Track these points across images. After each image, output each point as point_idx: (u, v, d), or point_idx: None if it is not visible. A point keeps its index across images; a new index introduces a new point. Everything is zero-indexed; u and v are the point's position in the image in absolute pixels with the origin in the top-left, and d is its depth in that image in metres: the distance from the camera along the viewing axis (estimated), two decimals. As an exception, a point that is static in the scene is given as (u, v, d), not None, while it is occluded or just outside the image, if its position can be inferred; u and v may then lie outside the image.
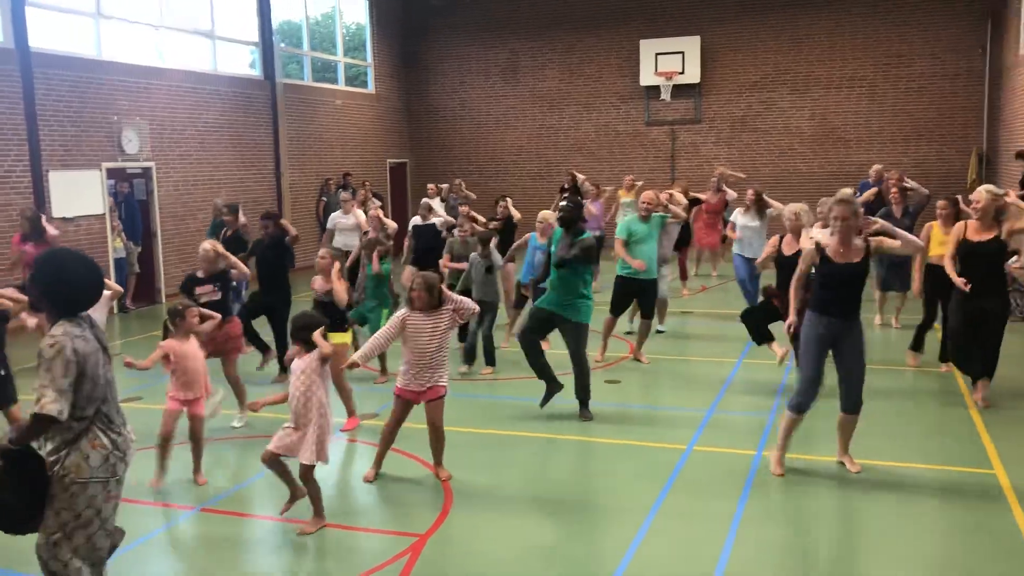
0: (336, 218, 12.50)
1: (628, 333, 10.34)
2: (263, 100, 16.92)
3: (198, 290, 7.35)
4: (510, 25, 21.15)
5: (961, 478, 6.02)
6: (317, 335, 5.32)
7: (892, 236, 5.87)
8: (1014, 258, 12.68)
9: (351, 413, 7.37)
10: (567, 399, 7.62)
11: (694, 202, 13.15)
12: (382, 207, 14.87)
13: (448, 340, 6.03)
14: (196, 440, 6.16)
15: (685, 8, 19.79)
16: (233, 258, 7.74)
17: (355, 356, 5.98)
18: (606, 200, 15.03)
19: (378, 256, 8.89)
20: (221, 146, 15.79)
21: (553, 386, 7.57)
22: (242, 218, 10.80)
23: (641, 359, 9.39)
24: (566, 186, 15.88)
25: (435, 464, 6.19)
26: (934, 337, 9.01)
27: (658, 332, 10.68)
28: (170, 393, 6.14)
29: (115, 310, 12.95)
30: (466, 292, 9.35)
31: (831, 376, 6.09)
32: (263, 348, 9.12)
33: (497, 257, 9.16)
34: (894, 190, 10.59)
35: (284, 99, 17.31)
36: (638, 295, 9.22)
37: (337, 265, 7.54)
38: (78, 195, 12.80)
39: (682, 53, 19.47)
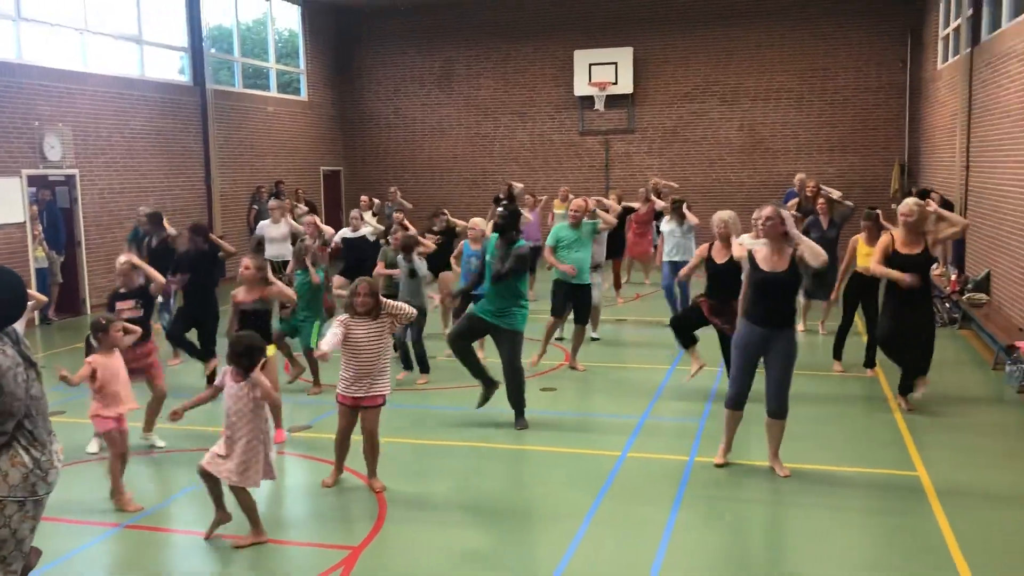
0: (264, 227, 12.22)
1: (559, 339, 10.39)
2: (192, 106, 16.59)
3: (118, 306, 7.12)
4: (445, 33, 21.14)
5: (886, 480, 6.18)
6: (258, 371, 5.18)
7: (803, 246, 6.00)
8: (934, 266, 13.11)
9: (278, 426, 7.22)
10: (502, 408, 7.61)
11: (628, 210, 13.31)
12: (309, 212, 14.69)
13: (387, 348, 5.98)
14: (121, 456, 5.96)
15: (618, 19, 20.04)
16: (149, 269, 7.50)
17: (323, 346, 5.81)
18: (542, 210, 15.12)
19: (311, 263, 8.76)
20: (149, 153, 15.43)
21: (490, 388, 7.55)
22: (170, 229, 10.48)
23: (576, 367, 9.44)
24: (502, 196, 15.92)
25: (369, 475, 6.12)
26: (859, 343, 9.26)
27: (592, 340, 10.76)
28: (99, 413, 5.92)
29: (36, 321, 12.54)
30: (392, 297, 9.30)
31: (760, 381, 6.21)
32: (201, 356, 8.91)
33: (419, 264, 9.08)
34: (820, 201, 10.87)
35: (214, 105, 17.00)
36: (572, 300, 9.31)
37: (268, 270, 7.38)
38: (-3, 203, 12.37)
39: (615, 64, 19.70)
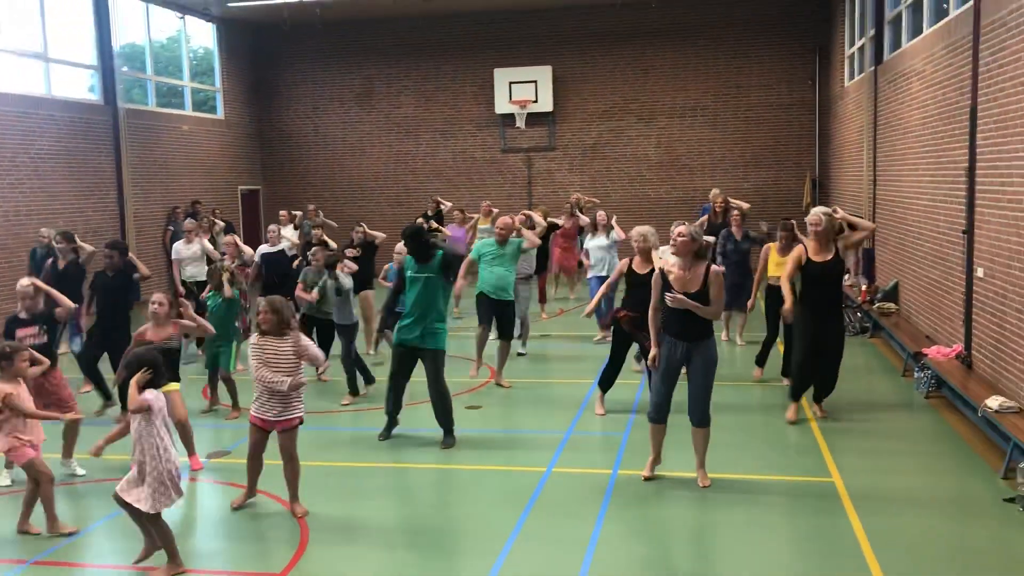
0: (179, 248, 11.93)
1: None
2: (104, 125, 16.12)
3: (19, 333, 6.83)
4: (365, 51, 21.05)
5: (803, 486, 6.35)
6: (134, 382, 5.03)
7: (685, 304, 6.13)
8: (845, 277, 13.56)
9: (191, 452, 7.03)
10: (430, 427, 7.57)
11: (553, 227, 13.42)
12: (225, 231, 14.42)
13: (297, 371, 5.85)
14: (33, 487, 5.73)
15: (537, 38, 20.25)
16: (55, 293, 7.23)
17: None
18: (471, 227, 15.17)
19: (227, 283, 8.55)
20: (58, 174, 14.92)
21: (393, 423, 7.64)
22: (84, 245, 10.02)
23: (502, 383, 9.45)
24: (429, 213, 15.92)
25: (290, 499, 6.00)
26: (776, 352, 9.49)
27: (519, 355, 10.82)
28: (13, 444, 5.67)
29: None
30: (321, 318, 9.18)
31: (681, 392, 6.32)
32: (106, 395, 8.60)
33: (345, 280, 9.01)
34: (735, 214, 11.17)
35: (127, 124, 16.55)
36: (495, 315, 9.35)
37: (185, 306, 7.15)
38: None
39: (535, 82, 19.89)
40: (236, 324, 8.79)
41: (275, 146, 21.75)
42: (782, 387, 9.00)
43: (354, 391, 9.00)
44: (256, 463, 6.04)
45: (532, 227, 11.05)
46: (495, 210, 15.13)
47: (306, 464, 6.89)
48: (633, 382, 9.12)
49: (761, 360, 9.42)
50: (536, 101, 19.91)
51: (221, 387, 8.71)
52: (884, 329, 11.27)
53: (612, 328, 8.22)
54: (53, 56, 15.25)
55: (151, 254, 16.60)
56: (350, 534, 5.68)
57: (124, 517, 5.19)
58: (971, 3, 8.59)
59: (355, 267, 9.88)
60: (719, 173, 19.73)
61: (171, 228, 17.01)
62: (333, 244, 11.62)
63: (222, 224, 15.53)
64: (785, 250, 8.84)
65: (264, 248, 11.31)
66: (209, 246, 11.85)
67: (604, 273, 11.02)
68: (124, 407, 8.19)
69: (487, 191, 20.25)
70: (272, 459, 6.04)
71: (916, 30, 11.66)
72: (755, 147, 19.81)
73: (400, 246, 9.59)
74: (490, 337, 9.63)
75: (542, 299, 13.75)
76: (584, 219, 13.87)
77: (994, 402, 6.96)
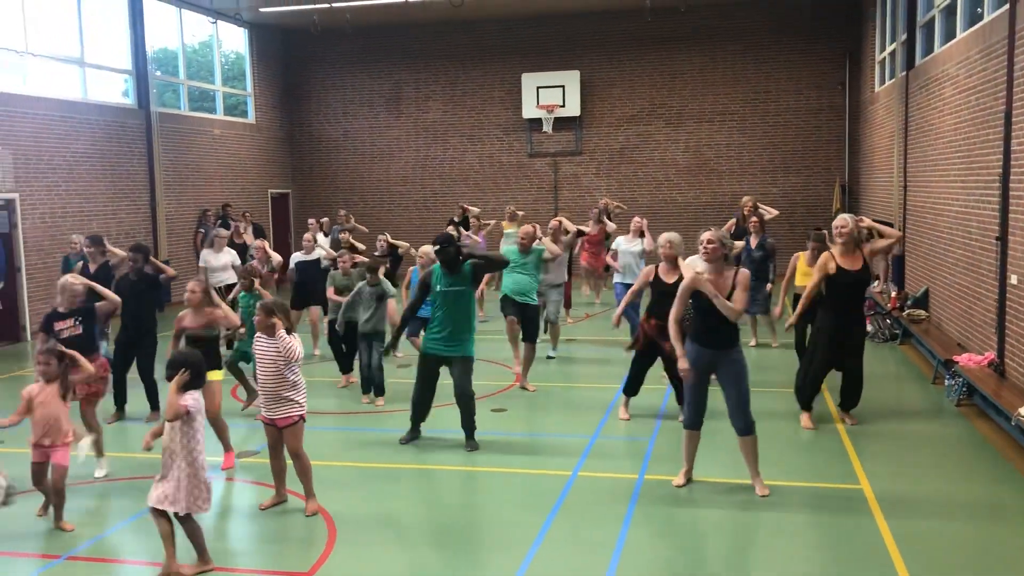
0: (207, 256, 12.00)
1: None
2: (137, 129, 16.37)
3: (58, 325, 6.95)
4: (394, 56, 21.20)
5: (831, 493, 6.30)
6: (173, 385, 5.10)
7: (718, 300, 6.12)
8: (874, 284, 13.48)
9: (227, 448, 7.14)
10: (454, 429, 7.61)
11: (580, 233, 13.41)
12: (255, 234, 14.58)
13: (292, 371, 5.90)
14: (57, 491, 5.82)
15: (565, 43, 20.29)
16: (101, 288, 7.40)
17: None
18: (487, 232, 15.23)
19: (260, 285, 8.69)
20: (92, 176, 15.17)
21: (415, 435, 7.67)
22: (114, 250, 10.20)
23: (527, 387, 9.47)
24: (456, 219, 16.00)
25: (305, 495, 6.07)
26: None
27: (549, 358, 10.86)
28: (31, 440, 5.81)
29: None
30: (350, 322, 9.26)
31: (715, 398, 6.31)
32: (120, 404, 8.71)
33: (388, 286, 9.09)
34: (753, 219, 11.16)
35: (160, 128, 16.79)
36: (519, 317, 9.41)
37: (213, 293, 7.31)
38: (-68, 228, 12.06)
39: (563, 87, 19.93)
40: None
41: (305, 150, 21.94)
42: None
43: (380, 392, 9.05)
44: (277, 462, 6.12)
45: (566, 232, 11.10)
46: (520, 213, 15.17)
47: (332, 464, 6.97)
48: (660, 387, 9.10)
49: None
50: (563, 106, 19.95)
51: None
52: (914, 336, 11.16)
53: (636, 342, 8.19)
54: (89, 61, 15.51)
55: (182, 256, 16.81)
56: (376, 534, 5.72)
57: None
58: (1007, 7, 8.51)
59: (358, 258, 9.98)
60: (747, 178, 19.64)
61: (201, 231, 17.21)
62: (361, 246, 11.73)
63: (241, 224, 15.70)
64: (815, 260, 8.78)
65: (298, 256, 11.41)
66: (234, 252, 12.02)
67: (630, 281, 11.00)
68: (154, 407, 8.37)
69: (513, 195, 20.30)
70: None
71: (949, 34, 11.56)
72: (784, 152, 19.70)
73: (424, 248, 9.65)
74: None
75: (567, 304, 13.73)
76: (612, 225, 13.87)
77: (1026, 410, 6.88)
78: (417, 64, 21.15)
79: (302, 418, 5.98)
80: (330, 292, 9.70)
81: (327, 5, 17.20)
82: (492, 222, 16.06)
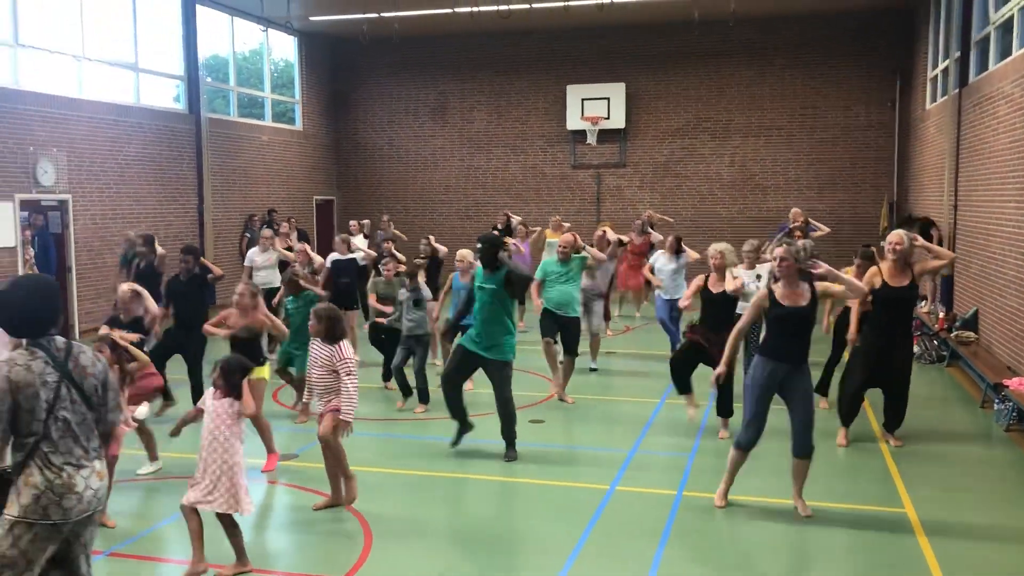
0: (253, 255, 12.18)
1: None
2: (187, 134, 16.66)
3: (117, 332, 7.13)
4: (440, 66, 21.34)
5: (873, 515, 6.18)
6: (245, 386, 5.25)
7: (837, 281, 6.06)
8: (921, 303, 13.23)
9: (271, 451, 7.21)
10: (492, 439, 7.60)
11: (619, 243, 13.38)
12: (299, 239, 14.73)
13: (339, 381, 6.01)
14: None
15: (611, 56, 20.27)
16: (149, 301, 7.54)
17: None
18: (534, 240, 15.23)
19: (306, 284, 8.79)
20: (142, 179, 15.46)
21: (464, 427, 7.63)
22: (159, 249, 10.42)
23: (565, 399, 9.44)
24: (499, 226, 16.03)
25: (331, 489, 6.24)
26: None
27: (591, 370, 10.81)
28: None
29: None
30: (396, 331, 9.33)
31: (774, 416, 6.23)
32: (166, 395, 8.83)
33: (425, 291, 9.15)
34: (797, 233, 11.02)
35: (209, 134, 17.08)
36: (560, 331, 9.35)
37: (260, 300, 7.44)
38: (-12, 227, 12.37)
39: (608, 99, 19.90)
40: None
41: (350, 158, 22.16)
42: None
43: (424, 400, 9.09)
44: (331, 451, 6.22)
45: (609, 242, 11.06)
46: (566, 224, 15.15)
47: (371, 470, 7.00)
48: (701, 402, 9.00)
49: (824, 387, 9.13)
50: (608, 118, 19.92)
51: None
52: (962, 358, 10.93)
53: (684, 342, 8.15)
54: (143, 66, 15.83)
55: (228, 260, 17.04)
56: (412, 541, 5.73)
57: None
58: (1064, 25, 8.33)
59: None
60: (793, 194, 19.42)
61: (247, 235, 17.45)
62: (401, 256, 11.80)
63: (284, 226, 15.87)
64: (861, 277, 8.63)
65: (335, 255, 11.52)
66: (286, 253, 12.12)
67: (666, 296, 10.96)
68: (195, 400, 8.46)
69: (556, 207, 20.29)
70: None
71: (1005, 52, 11.34)
72: (831, 169, 19.46)
73: (462, 252, 9.68)
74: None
75: (606, 316, 13.67)
76: (657, 236, 13.81)
77: (1079, 438, 6.70)
78: (462, 74, 21.27)
79: (337, 412, 6.03)
80: (372, 299, 9.77)
81: (376, 15, 17.37)
82: (539, 229, 16.08)
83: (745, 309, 8.99)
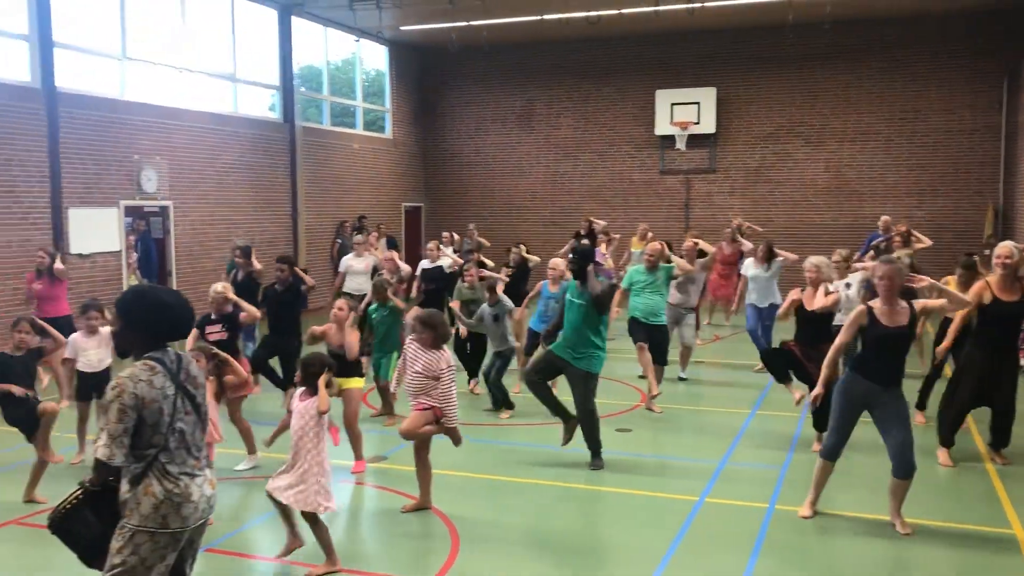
0: (348, 261, 12.42)
1: (642, 376, 10.26)
2: (282, 142, 17.12)
3: (208, 329, 7.53)
4: (527, 73, 21.41)
5: (977, 535, 5.90)
6: (321, 382, 5.33)
7: (941, 294, 5.84)
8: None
9: (359, 457, 7.32)
10: (578, 447, 7.55)
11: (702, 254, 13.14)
12: (388, 246, 14.96)
13: (438, 383, 6.05)
14: None
15: (702, 60, 20.01)
16: (243, 302, 7.87)
17: (391, 384, 6.50)
18: (614, 251, 15.12)
19: (391, 295, 8.91)
20: (239, 187, 15.95)
21: (571, 423, 7.47)
22: (256, 264, 10.72)
23: (653, 408, 9.31)
24: (582, 232, 15.96)
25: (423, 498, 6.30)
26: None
27: (680, 379, 10.66)
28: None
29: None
30: (479, 337, 9.37)
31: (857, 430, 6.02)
32: (283, 386, 9.15)
33: (505, 303, 9.14)
34: (897, 240, 10.64)
35: (303, 142, 17.51)
36: (648, 339, 9.21)
37: (351, 317, 7.57)
38: (96, 232, 12.93)
39: (698, 104, 19.63)
40: (396, 339, 9.05)
41: (437, 165, 22.41)
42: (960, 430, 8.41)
43: (509, 405, 9.10)
44: (423, 470, 6.25)
45: (704, 254, 10.89)
46: (651, 233, 14.99)
47: (457, 474, 7.03)
48: (793, 414, 8.78)
49: (922, 403, 8.77)
50: (698, 123, 19.64)
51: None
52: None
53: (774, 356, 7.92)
54: (240, 77, 16.34)
55: (320, 266, 17.42)
56: (499, 546, 5.72)
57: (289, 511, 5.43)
58: None
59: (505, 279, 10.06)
60: (891, 200, 18.80)
61: (339, 241, 17.81)
62: (490, 263, 11.87)
63: (372, 232, 16.15)
64: (964, 288, 8.26)
65: (424, 263, 11.70)
66: (379, 255, 12.36)
67: (759, 303, 10.72)
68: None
69: (644, 213, 20.10)
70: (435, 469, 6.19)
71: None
72: (931, 174, 18.76)
73: (554, 261, 9.65)
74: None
75: (696, 325, 13.46)
76: (747, 244, 13.53)
77: None
78: (550, 81, 21.29)
79: (434, 415, 6.07)
80: (455, 305, 9.84)
81: (465, 23, 17.53)
82: (617, 236, 15.95)
83: (841, 321, 8.77)
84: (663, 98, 19.89)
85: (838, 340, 5.97)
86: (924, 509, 6.37)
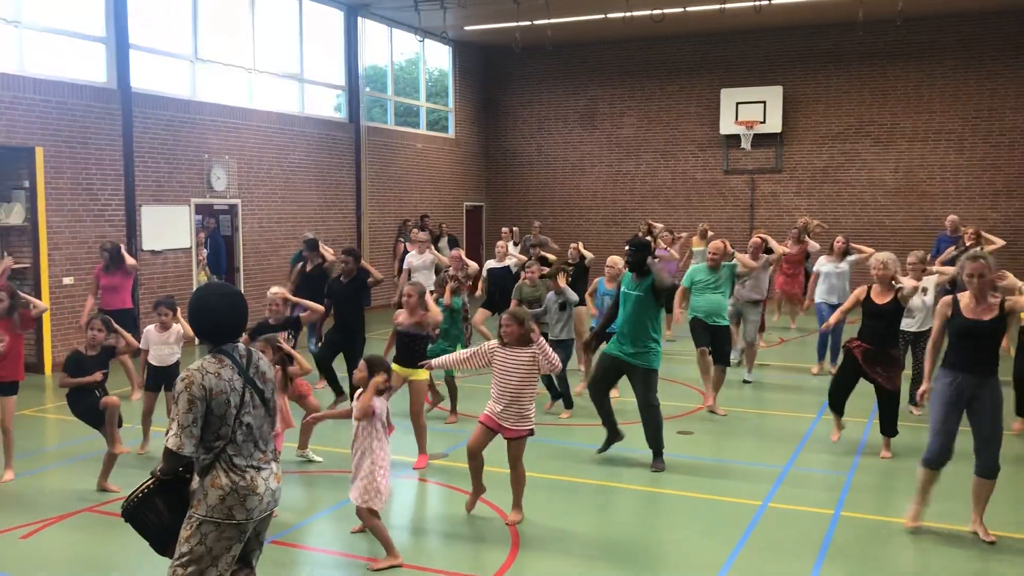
0: (410, 258, 12.55)
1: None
2: (347, 142, 17.35)
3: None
4: (590, 72, 21.34)
5: (1057, 550, 5.69)
6: (372, 384, 5.38)
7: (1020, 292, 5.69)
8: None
9: (422, 450, 7.38)
10: (638, 448, 7.50)
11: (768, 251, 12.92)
12: (450, 244, 15.01)
13: (534, 381, 6.00)
14: None
15: (767, 58, 19.70)
16: (304, 301, 7.86)
17: (433, 360, 6.21)
18: (681, 246, 14.96)
19: (450, 292, 8.92)
20: (305, 185, 16.21)
21: (614, 436, 7.54)
22: (328, 254, 10.87)
23: (716, 411, 9.20)
24: (640, 235, 15.82)
25: (513, 505, 6.13)
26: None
27: (744, 382, 10.52)
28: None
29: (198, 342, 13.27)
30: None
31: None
32: (337, 390, 9.20)
33: (571, 294, 9.11)
34: (970, 240, 10.33)
35: (367, 142, 17.73)
36: (711, 340, 9.10)
37: (427, 294, 7.63)
38: (167, 229, 13.27)
39: (764, 103, 19.34)
40: (460, 332, 9.09)
41: (499, 164, 22.47)
42: (1033, 438, 8.16)
43: (569, 404, 9.08)
44: (476, 462, 6.13)
45: (770, 251, 10.72)
46: (711, 233, 14.81)
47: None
48: (861, 420, 8.59)
49: (1021, 407, 8.47)
50: (763, 122, 19.35)
51: (443, 389, 9.09)
52: None
53: (842, 359, 7.74)
54: (308, 77, 16.61)
55: (382, 263, 17.61)
56: (559, 547, 5.71)
57: (352, 505, 5.50)
58: None
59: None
60: (964, 201, 18.28)
61: (401, 239, 17.97)
62: (552, 257, 11.83)
63: (422, 234, 16.23)
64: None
65: (491, 263, 11.76)
66: (440, 255, 12.43)
67: (835, 301, 10.51)
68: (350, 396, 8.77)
69: (707, 213, 19.89)
70: (492, 466, 6.20)
71: None
72: (1008, 175, 18.18)
73: (612, 259, 9.59)
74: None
75: (761, 327, 13.25)
76: (814, 245, 13.27)
77: None
78: (613, 80, 21.19)
79: (531, 432, 6.04)
80: (514, 303, 9.84)
81: (529, 23, 17.55)
82: (684, 235, 15.81)
83: (911, 326, 8.55)
84: (728, 97, 19.64)
85: (933, 334, 5.89)
86: (1013, 521, 6.16)
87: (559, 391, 9.09)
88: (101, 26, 12.51)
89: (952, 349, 5.71)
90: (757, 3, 15.43)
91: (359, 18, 17.57)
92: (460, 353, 6.26)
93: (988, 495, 5.73)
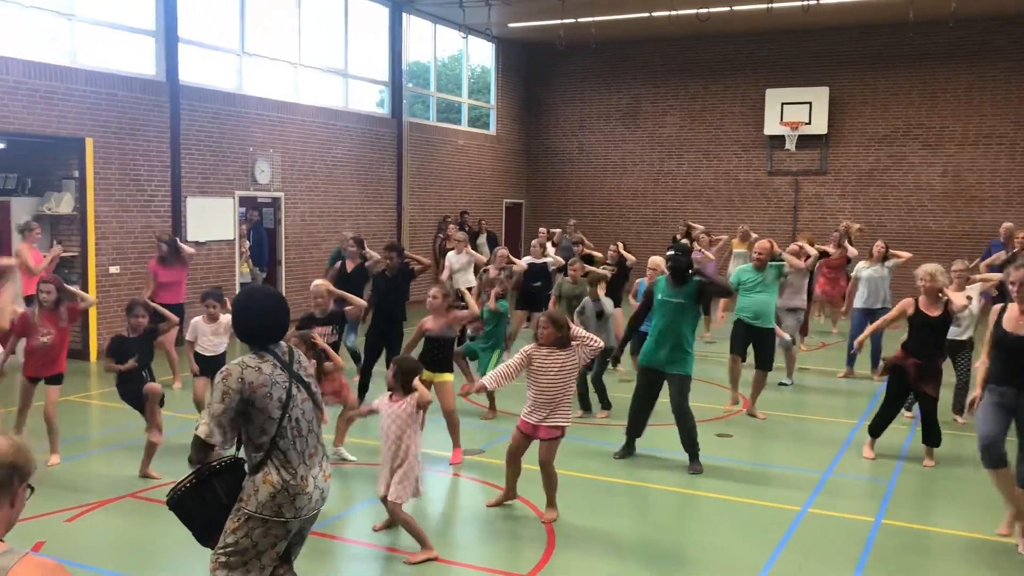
0: (450, 258, 12.55)
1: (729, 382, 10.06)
2: (389, 137, 17.45)
3: (316, 331, 7.41)
4: (634, 70, 21.23)
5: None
6: (418, 382, 5.46)
7: None
8: None
9: (456, 445, 7.40)
10: (675, 449, 7.45)
11: (822, 254, 12.74)
12: (488, 242, 15.01)
13: (572, 381, 6.00)
14: None
15: (814, 59, 19.45)
16: (348, 295, 7.91)
17: (485, 380, 6.11)
18: (719, 249, 14.83)
19: (495, 295, 8.93)
20: (347, 180, 16.33)
21: (629, 450, 7.57)
22: (372, 253, 10.88)
23: (756, 414, 9.10)
24: (679, 236, 15.73)
25: (547, 504, 6.12)
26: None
27: (781, 384, 10.42)
28: None
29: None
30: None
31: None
32: (362, 393, 9.22)
33: (607, 305, 9.02)
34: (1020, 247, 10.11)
35: (409, 137, 17.81)
36: (754, 342, 9.01)
37: (467, 294, 7.66)
38: (212, 221, 13.44)
39: (809, 103, 19.11)
40: (501, 337, 9.08)
41: (540, 162, 22.45)
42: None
43: (607, 404, 9.05)
44: (514, 468, 6.18)
45: (807, 257, 10.60)
46: (754, 235, 14.64)
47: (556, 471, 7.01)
48: (903, 427, 8.45)
49: None
50: (809, 123, 19.12)
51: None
52: None
53: (889, 373, 7.59)
54: (352, 72, 16.72)
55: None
56: (594, 546, 5.69)
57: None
58: None
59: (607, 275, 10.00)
60: (1015, 207, 17.89)
61: (441, 235, 18.03)
62: (599, 255, 11.78)
63: (462, 234, 16.24)
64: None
65: (529, 259, 11.76)
66: (477, 254, 12.42)
67: (875, 306, 10.36)
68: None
69: (749, 214, 19.69)
70: (528, 464, 6.21)
71: None
72: (1061, 180, 17.76)
73: (654, 260, 9.52)
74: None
75: (803, 331, 13.10)
76: (853, 250, 13.08)
77: None
78: (656, 78, 21.06)
79: (563, 432, 6.03)
80: (552, 301, 9.84)
81: (573, 20, 17.50)
82: (724, 238, 15.66)
83: (956, 334, 8.37)
84: (773, 97, 19.43)
85: (984, 354, 5.78)
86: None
87: (598, 394, 9.04)
88: (151, 19, 12.70)
89: (994, 362, 5.59)
90: (805, 3, 15.24)
91: (404, 14, 17.66)
92: (503, 369, 6.04)
93: None
